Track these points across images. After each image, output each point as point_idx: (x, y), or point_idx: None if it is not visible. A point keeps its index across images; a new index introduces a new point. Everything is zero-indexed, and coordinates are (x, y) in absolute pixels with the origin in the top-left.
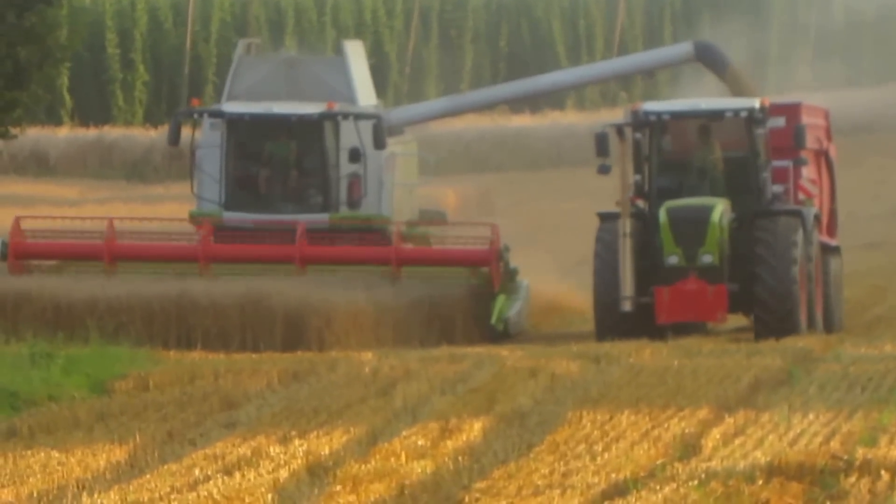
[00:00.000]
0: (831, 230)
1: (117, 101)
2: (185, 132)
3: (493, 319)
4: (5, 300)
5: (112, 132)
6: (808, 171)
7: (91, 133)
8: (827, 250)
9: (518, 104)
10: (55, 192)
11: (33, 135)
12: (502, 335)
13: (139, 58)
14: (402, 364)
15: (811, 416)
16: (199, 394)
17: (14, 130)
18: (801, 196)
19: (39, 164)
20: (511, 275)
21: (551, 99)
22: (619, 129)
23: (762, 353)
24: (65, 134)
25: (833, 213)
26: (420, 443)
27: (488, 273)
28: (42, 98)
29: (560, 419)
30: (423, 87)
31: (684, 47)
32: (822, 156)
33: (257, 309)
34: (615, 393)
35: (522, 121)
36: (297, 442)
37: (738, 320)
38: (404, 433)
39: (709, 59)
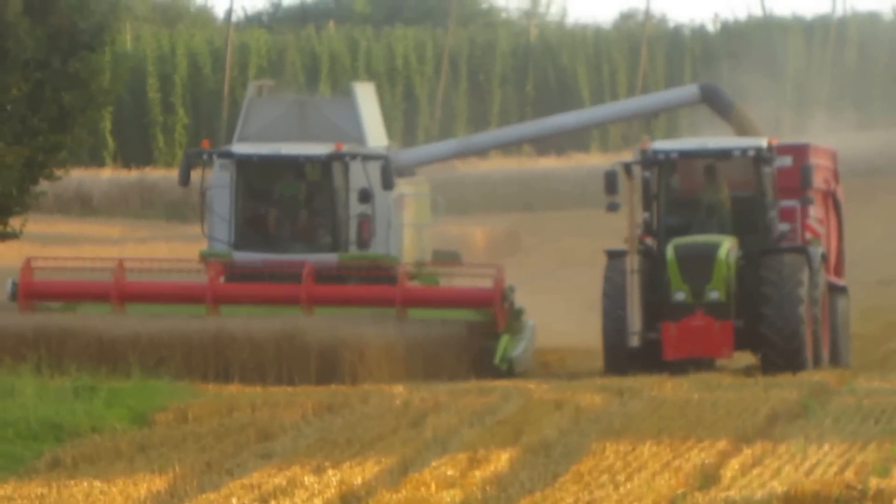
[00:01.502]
0: (839, 270)
1: (158, 143)
2: (197, 173)
3: (497, 359)
4: (50, 336)
5: (153, 173)
6: (815, 211)
7: (133, 174)
8: (834, 290)
9: (543, 146)
10: (98, 231)
11: (77, 176)
12: (506, 374)
13: (179, 102)
14: (432, 396)
15: (826, 447)
16: (236, 425)
17: (59, 172)
18: (808, 235)
19: (83, 204)
20: (516, 314)
21: (576, 142)
22: (628, 168)
23: (779, 386)
24: (107, 175)
25: (841, 254)
26: (449, 473)
27: (493, 313)
28: (86, 141)
29: (584, 450)
30: (452, 130)
31: (690, 90)
32: (830, 196)
33: (293, 344)
34: (637, 425)
35: (548, 162)
36: (330, 472)
37: (745, 357)
38: (434, 463)
39: (714, 101)
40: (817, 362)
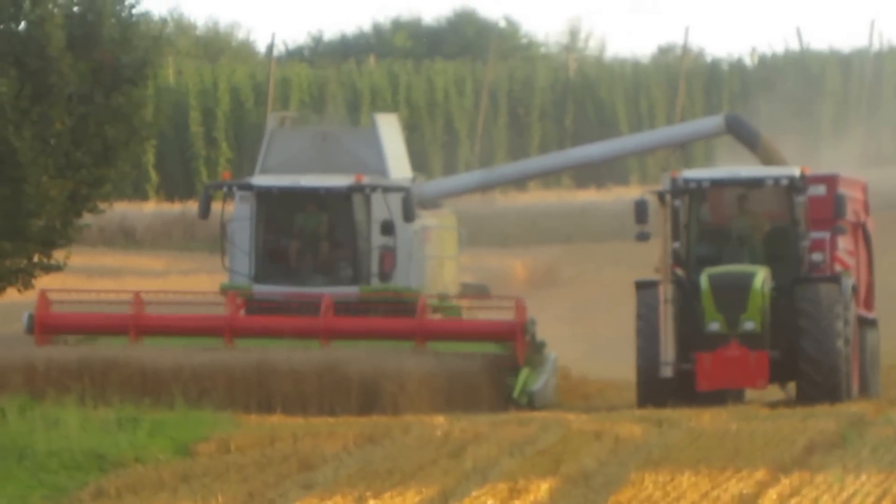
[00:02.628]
0: (868, 303)
1: (201, 177)
2: (218, 206)
3: (516, 393)
4: (94, 367)
5: (196, 207)
6: (844, 243)
7: (176, 207)
8: (864, 323)
9: (582, 179)
10: (142, 263)
11: (121, 209)
12: (527, 408)
13: (221, 135)
14: (472, 427)
15: (863, 478)
16: (278, 456)
17: (102, 205)
18: (838, 267)
19: (127, 237)
20: (538, 348)
21: (615, 174)
22: (661, 197)
23: (816, 417)
24: (151, 208)
25: (870, 286)
26: (489, 503)
27: (513, 346)
28: (129, 174)
29: (623, 480)
30: (492, 164)
31: (715, 121)
32: (860, 228)
33: (334, 375)
34: (676, 455)
35: (588, 195)
36: (371, 502)
37: (771, 390)
38: (474, 493)
39: (739, 131)
40: (847, 395)
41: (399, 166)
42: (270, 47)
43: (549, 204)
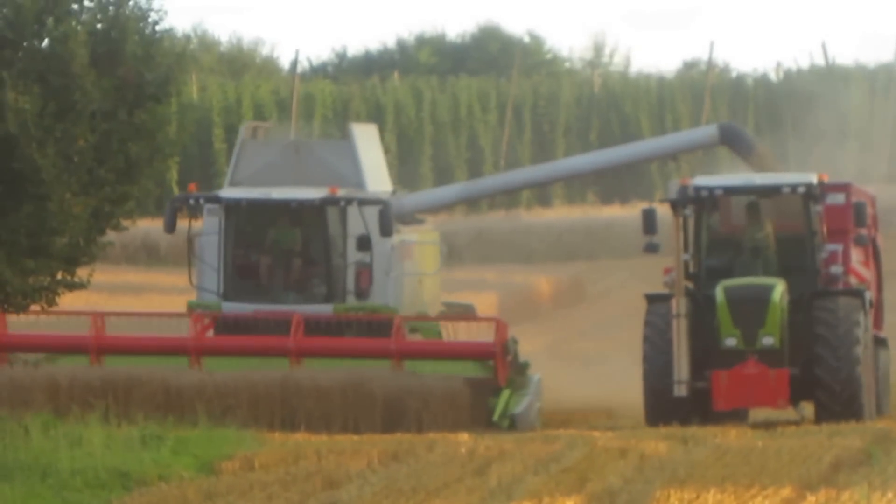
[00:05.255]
0: (878, 322)
1: None
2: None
3: (496, 416)
4: (117, 385)
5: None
6: (858, 256)
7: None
8: (876, 342)
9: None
10: (165, 280)
11: (144, 226)
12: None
13: None
14: (497, 444)
15: (890, 495)
16: (302, 473)
17: (126, 222)
18: (854, 280)
19: (150, 255)
20: (520, 369)
21: (640, 190)
22: (675, 206)
23: (842, 434)
24: None
25: (880, 305)
26: None
27: (494, 367)
28: (152, 191)
29: (649, 498)
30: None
31: (709, 130)
32: (871, 243)
33: (358, 392)
34: (701, 472)
35: (612, 211)
36: None
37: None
38: None
39: (734, 141)
40: (868, 410)
41: (377, 178)
42: (294, 63)
43: (574, 220)
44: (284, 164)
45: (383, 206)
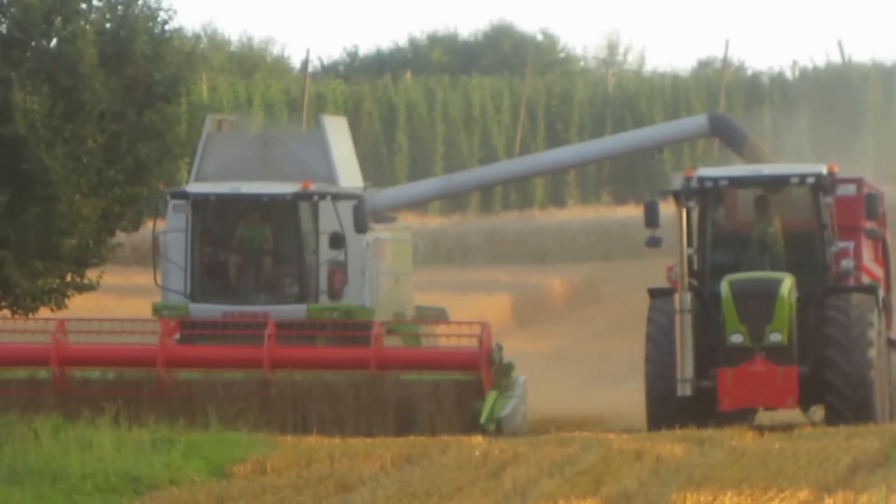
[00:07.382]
0: (888, 323)
1: None
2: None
3: (483, 419)
4: (127, 387)
5: None
6: (868, 252)
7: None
8: (887, 343)
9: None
10: None
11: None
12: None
13: None
14: (512, 447)
15: None
16: (315, 477)
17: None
18: (865, 277)
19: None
20: (505, 370)
21: (654, 189)
22: (678, 197)
23: (860, 436)
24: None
25: (889, 305)
26: None
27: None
28: (162, 193)
29: (664, 501)
30: (530, 179)
31: (698, 120)
32: (880, 241)
33: (371, 395)
34: (718, 475)
35: (627, 211)
36: None
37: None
38: None
39: (724, 132)
40: (882, 413)
41: (349, 174)
42: (305, 63)
43: (588, 220)
44: (253, 157)
45: (358, 201)
